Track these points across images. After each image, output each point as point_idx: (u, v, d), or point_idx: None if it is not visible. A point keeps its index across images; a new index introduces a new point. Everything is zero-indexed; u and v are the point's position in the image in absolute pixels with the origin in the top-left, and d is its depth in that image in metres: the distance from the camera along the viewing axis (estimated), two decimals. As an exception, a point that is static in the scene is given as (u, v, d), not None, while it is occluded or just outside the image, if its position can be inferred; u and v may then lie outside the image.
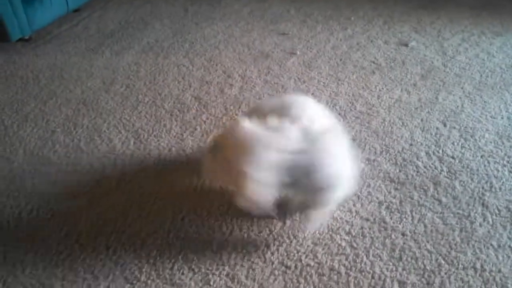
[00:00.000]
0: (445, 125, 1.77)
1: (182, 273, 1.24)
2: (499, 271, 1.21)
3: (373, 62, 2.24)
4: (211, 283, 1.22)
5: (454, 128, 1.75)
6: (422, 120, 1.81)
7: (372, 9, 2.86)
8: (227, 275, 1.24)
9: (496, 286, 1.17)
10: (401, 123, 1.79)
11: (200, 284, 1.21)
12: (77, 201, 1.48)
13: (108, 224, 1.40)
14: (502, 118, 1.80)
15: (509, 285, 1.17)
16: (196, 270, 1.25)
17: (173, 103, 1.98)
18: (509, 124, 1.76)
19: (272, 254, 1.29)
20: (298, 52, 2.37)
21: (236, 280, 1.22)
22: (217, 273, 1.24)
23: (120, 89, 2.10)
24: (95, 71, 2.27)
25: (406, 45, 2.40)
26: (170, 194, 1.50)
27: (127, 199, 1.49)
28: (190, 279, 1.23)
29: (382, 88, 2.03)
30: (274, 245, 1.32)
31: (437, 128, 1.75)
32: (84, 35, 2.68)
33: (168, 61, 2.34)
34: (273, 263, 1.27)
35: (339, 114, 1.86)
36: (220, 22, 2.80)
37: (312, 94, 2.01)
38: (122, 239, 1.35)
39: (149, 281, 1.23)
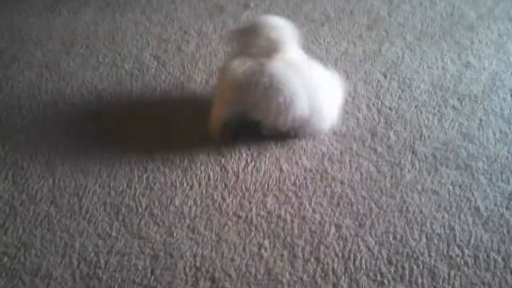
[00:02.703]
0: (385, 77, 1.93)
1: (148, 227, 1.42)
2: (421, 212, 1.42)
3: (323, 14, 2.35)
4: (174, 234, 1.39)
5: (394, 79, 1.91)
6: (365, 72, 1.96)
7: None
8: (188, 226, 1.41)
9: (417, 225, 1.38)
10: (346, 76, 1.93)
11: (165, 236, 1.39)
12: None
13: (79, 186, 1.54)
14: (437, 68, 1.96)
15: (427, 224, 1.38)
16: (160, 224, 1.43)
17: (132, 63, 2.08)
18: (443, 74, 1.93)
19: (227, 206, 1.47)
20: (251, 5, 2.45)
21: (196, 231, 1.40)
22: (179, 225, 1.42)
23: (80, 51, 2.18)
24: (54, 32, 2.32)
25: (356, -7, 2.50)
26: (135, 154, 1.64)
27: (95, 162, 1.63)
28: (156, 232, 1.40)
29: (330, 41, 2.16)
30: (229, 197, 1.50)
31: (378, 80, 1.91)
32: (39, -9, 2.68)
33: (125, 18, 2.40)
34: (228, 214, 1.45)
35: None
36: (175, -28, 2.81)
37: (265, 49, 2.12)
38: (94, 199, 1.51)
39: (119, 236, 1.40)
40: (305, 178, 1.54)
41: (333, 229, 1.39)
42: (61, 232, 1.41)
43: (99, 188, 1.54)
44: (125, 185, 1.55)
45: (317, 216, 1.42)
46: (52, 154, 1.66)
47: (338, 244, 1.34)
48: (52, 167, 1.61)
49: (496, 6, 2.34)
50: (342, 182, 1.52)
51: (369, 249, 1.32)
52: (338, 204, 1.46)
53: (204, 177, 1.56)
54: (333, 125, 1.67)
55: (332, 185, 1.52)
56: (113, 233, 1.41)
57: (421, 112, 1.76)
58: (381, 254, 1.31)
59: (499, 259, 1.28)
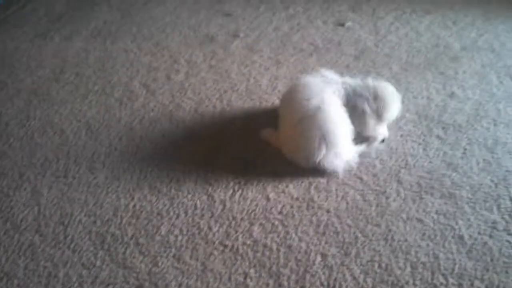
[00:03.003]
0: (372, 106, 1.95)
1: (134, 257, 1.41)
2: (406, 240, 1.43)
3: (312, 44, 2.39)
4: (159, 264, 1.39)
5: (380, 109, 1.94)
6: (351, 102, 1.98)
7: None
8: (174, 256, 1.41)
9: (402, 253, 1.39)
10: (333, 106, 1.96)
11: (150, 266, 1.39)
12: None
13: (65, 215, 1.54)
14: (422, 98, 1.99)
15: (412, 252, 1.39)
16: (146, 253, 1.42)
17: (122, 91, 2.10)
18: (428, 104, 1.96)
19: (214, 235, 1.47)
20: (241, 35, 2.49)
21: (181, 261, 1.40)
22: (164, 255, 1.41)
23: (70, 78, 2.20)
24: (45, 59, 2.34)
25: (343, 25, 2.55)
26: (122, 182, 1.65)
27: (82, 190, 1.63)
28: (141, 261, 1.40)
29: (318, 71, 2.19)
30: (215, 226, 1.50)
31: (364, 110, 1.94)
32: (32, 18, 2.71)
33: (116, 46, 2.43)
34: (214, 243, 1.45)
35: (278, 98, 2.02)
36: (168, 2, 2.86)
37: (254, 78, 2.15)
38: (79, 228, 1.50)
39: (104, 266, 1.39)
40: (291, 207, 1.55)
41: (318, 258, 1.39)
42: (45, 262, 1.40)
43: (84, 216, 1.54)
44: (111, 213, 1.55)
45: (303, 245, 1.43)
46: (38, 182, 1.66)
47: (324, 273, 1.35)
48: (37, 196, 1.61)
49: (479, 38, 2.39)
50: (328, 211, 1.53)
51: (354, 278, 1.33)
52: (324, 233, 1.46)
53: (191, 206, 1.56)
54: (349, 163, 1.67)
55: (318, 213, 1.52)
56: (98, 263, 1.40)
57: (406, 141, 1.78)
58: (366, 283, 1.31)
59: (483, 287, 1.28)
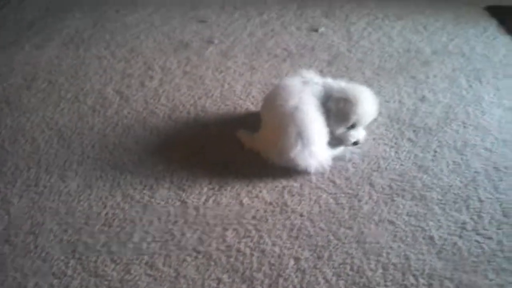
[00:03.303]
0: (344, 111, 1.97)
1: (106, 265, 1.40)
2: (378, 242, 1.44)
3: (285, 50, 2.41)
4: (132, 272, 1.38)
5: (352, 113, 1.96)
6: (325, 106, 2.00)
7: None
8: (146, 263, 1.40)
9: (374, 255, 1.40)
10: (306, 110, 1.97)
11: (122, 274, 1.37)
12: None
13: (36, 224, 1.52)
14: (394, 102, 2.02)
15: (384, 254, 1.40)
16: (118, 261, 1.41)
17: (95, 98, 2.08)
18: (400, 107, 1.99)
19: (187, 241, 1.47)
20: (216, 41, 2.50)
21: (154, 268, 1.39)
22: (137, 262, 1.40)
23: (42, 85, 2.17)
24: (16, 66, 2.31)
25: (316, 30, 2.58)
26: (94, 190, 1.63)
27: (53, 199, 1.61)
28: (113, 269, 1.38)
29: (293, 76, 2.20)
30: (189, 232, 1.49)
31: (337, 114, 1.95)
32: (3, 26, 2.68)
33: (89, 53, 2.41)
34: (187, 249, 1.44)
35: (252, 104, 2.03)
36: (141, 9, 2.86)
37: (228, 84, 2.16)
38: (50, 237, 1.48)
39: (75, 275, 1.37)
40: (265, 211, 1.55)
41: (292, 262, 1.39)
42: (14, 272, 1.38)
43: (56, 225, 1.52)
44: (83, 222, 1.53)
45: (277, 249, 1.43)
46: (8, 191, 1.64)
47: (297, 277, 1.35)
48: (7, 205, 1.59)
49: (450, 42, 2.44)
50: (301, 215, 1.54)
51: (327, 280, 1.33)
52: (297, 237, 1.47)
53: (164, 212, 1.56)
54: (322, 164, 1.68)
55: (292, 217, 1.53)
56: (69, 272, 1.38)
57: (378, 144, 1.81)
58: (338, 285, 1.32)
59: (452, 287, 1.30)
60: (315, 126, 1.65)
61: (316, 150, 1.64)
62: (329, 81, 1.79)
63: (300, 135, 1.61)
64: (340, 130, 1.74)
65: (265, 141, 1.70)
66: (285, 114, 1.63)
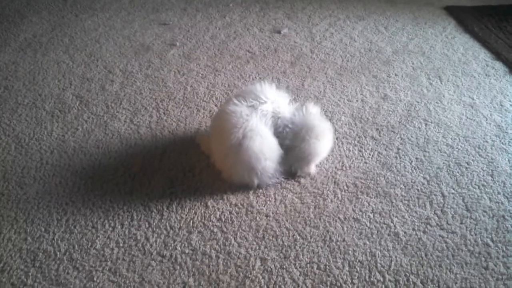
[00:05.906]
0: (308, 111, 1.97)
1: (67, 273, 1.35)
2: (344, 240, 1.44)
3: (248, 51, 2.41)
4: (95, 279, 1.33)
5: (316, 112, 1.97)
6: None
7: (250, -5, 3.01)
8: (110, 269, 1.36)
9: (340, 253, 1.40)
10: (270, 111, 1.96)
11: (85, 281, 1.33)
12: (-42, 214, 1.52)
13: (-9, 233, 1.46)
14: (357, 101, 2.04)
15: (350, 252, 1.40)
16: (80, 268, 1.36)
17: (53, 104, 2.02)
18: (363, 106, 2.01)
19: (151, 245, 1.43)
20: (178, 43, 2.47)
21: (118, 274, 1.35)
22: (100, 269, 1.36)
23: (-3, 91, 2.10)
24: (-30, 72, 2.23)
25: (279, 32, 2.58)
26: (54, 197, 1.58)
27: (11, 207, 1.55)
28: (75, 277, 1.34)
29: (256, 77, 2.20)
30: (153, 237, 1.46)
31: (301, 114, 1.95)
32: (-45, 31, 2.58)
33: (47, 58, 2.35)
34: (151, 254, 1.41)
35: (216, 105, 2.01)
36: (100, 13, 2.81)
37: (191, 86, 2.13)
38: (9, 246, 1.42)
39: (35, 284, 1.32)
40: (230, 213, 1.53)
41: (258, 263, 1.38)
42: (-31, 284, 1.32)
43: (14, 234, 1.46)
44: (43, 229, 1.48)
45: (243, 251, 1.41)
46: (-38, 201, 1.57)
47: (264, 277, 1.34)
48: (-39, 215, 1.52)
49: (410, 42, 2.49)
50: (267, 215, 1.53)
51: (294, 280, 1.33)
52: (263, 237, 1.46)
53: (127, 217, 1.52)
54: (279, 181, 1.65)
55: (257, 218, 1.52)
56: (29, 281, 1.33)
57: (342, 143, 1.81)
58: (305, 284, 1.31)
59: (418, 282, 1.31)
60: (267, 153, 1.58)
61: (271, 173, 1.60)
62: (281, 106, 1.67)
63: (254, 167, 1.56)
64: (294, 162, 1.66)
65: (220, 166, 1.65)
66: (234, 145, 1.55)
